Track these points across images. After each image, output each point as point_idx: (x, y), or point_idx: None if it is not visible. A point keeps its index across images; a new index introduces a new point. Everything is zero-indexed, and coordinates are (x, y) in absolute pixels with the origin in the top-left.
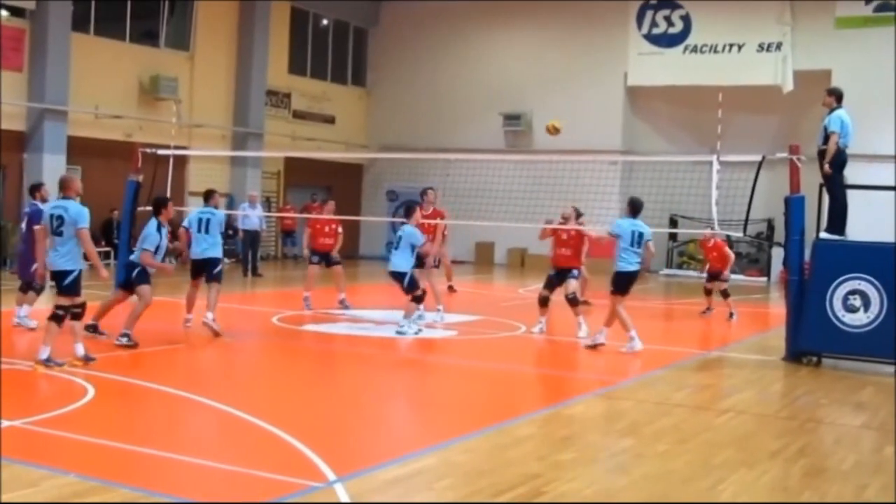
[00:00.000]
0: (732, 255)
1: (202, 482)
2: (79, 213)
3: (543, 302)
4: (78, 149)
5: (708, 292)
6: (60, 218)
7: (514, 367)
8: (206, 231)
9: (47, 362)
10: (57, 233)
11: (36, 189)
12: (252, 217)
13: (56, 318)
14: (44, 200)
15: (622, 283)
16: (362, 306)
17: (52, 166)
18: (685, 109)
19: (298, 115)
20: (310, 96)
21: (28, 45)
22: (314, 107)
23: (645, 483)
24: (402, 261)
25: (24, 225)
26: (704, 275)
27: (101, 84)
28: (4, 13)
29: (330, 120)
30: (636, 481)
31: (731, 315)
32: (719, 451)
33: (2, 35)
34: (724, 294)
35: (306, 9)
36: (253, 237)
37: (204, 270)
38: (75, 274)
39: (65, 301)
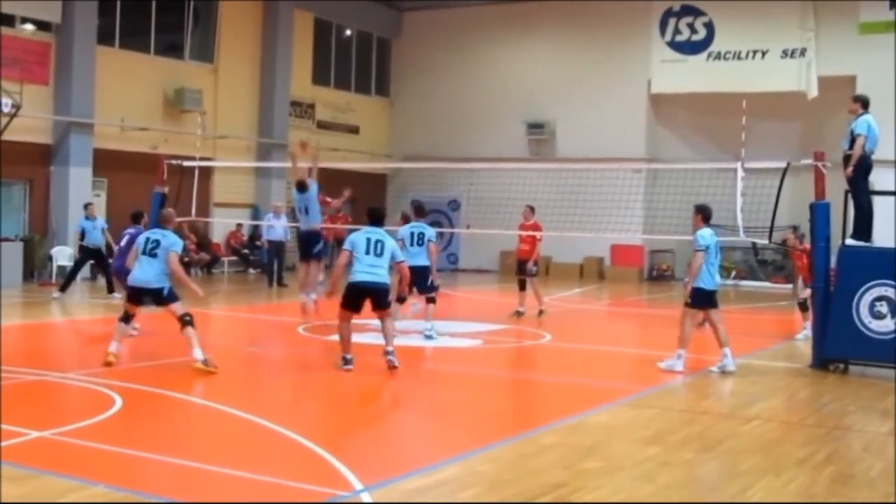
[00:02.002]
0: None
1: (229, 492)
2: (174, 242)
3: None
4: (104, 161)
5: None
6: (157, 242)
7: (538, 375)
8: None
9: (206, 363)
10: (151, 255)
11: (140, 217)
12: (277, 227)
13: (185, 322)
14: (146, 227)
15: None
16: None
17: (78, 179)
18: (709, 116)
19: (322, 126)
20: (333, 107)
21: (53, 58)
22: (338, 117)
23: (671, 491)
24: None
25: (123, 243)
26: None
27: (127, 97)
28: (30, 27)
29: (354, 130)
30: (662, 489)
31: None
32: (745, 459)
33: (28, 49)
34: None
35: (329, 19)
36: (278, 248)
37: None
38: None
39: (179, 309)
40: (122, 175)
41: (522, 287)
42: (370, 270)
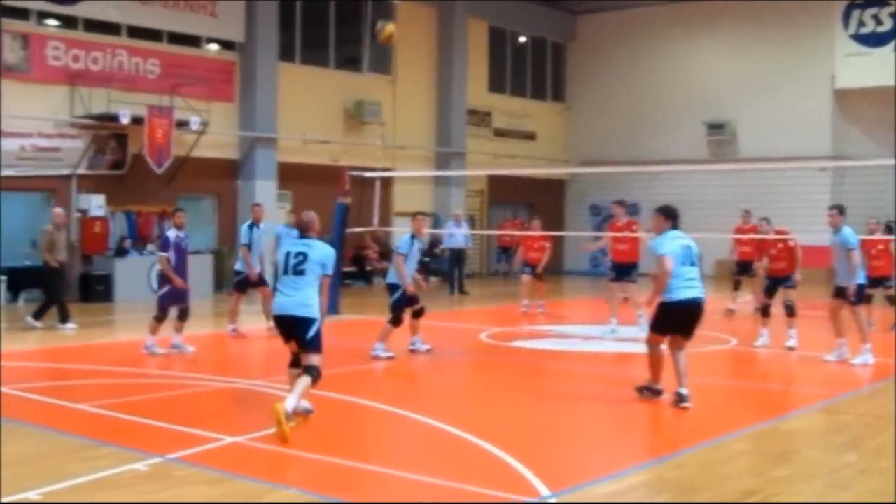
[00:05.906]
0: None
1: (414, 496)
2: (327, 256)
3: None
4: (287, 174)
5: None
6: (303, 255)
7: (725, 381)
8: None
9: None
10: (297, 272)
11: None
12: (457, 235)
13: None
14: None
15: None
16: (569, 322)
17: (263, 192)
18: None
19: (499, 133)
20: (510, 113)
21: (238, 76)
22: (514, 124)
23: (870, 499)
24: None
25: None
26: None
27: (308, 111)
28: (215, 47)
29: (531, 136)
30: (861, 496)
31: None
32: None
33: (213, 68)
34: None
35: (504, 27)
36: (458, 255)
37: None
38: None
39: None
40: (305, 187)
41: (737, 287)
42: (692, 284)
